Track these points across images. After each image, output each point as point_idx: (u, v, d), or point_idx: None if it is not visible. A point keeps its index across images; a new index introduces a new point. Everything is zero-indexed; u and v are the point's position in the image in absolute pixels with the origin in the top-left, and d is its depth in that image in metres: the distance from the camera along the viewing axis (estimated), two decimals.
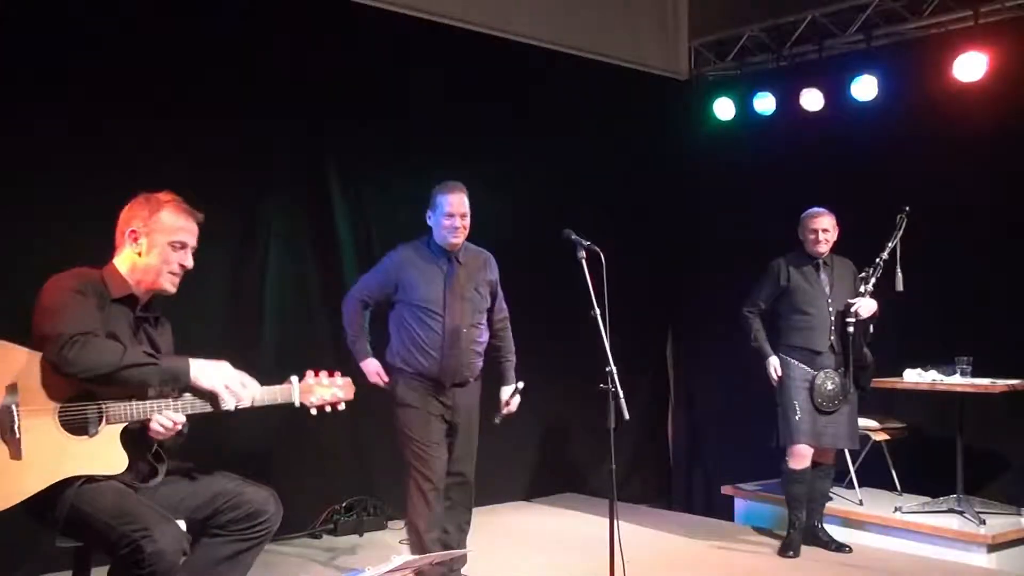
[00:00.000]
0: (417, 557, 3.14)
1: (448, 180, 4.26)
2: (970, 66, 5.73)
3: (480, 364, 4.37)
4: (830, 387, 5.05)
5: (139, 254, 2.90)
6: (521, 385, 4.45)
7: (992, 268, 5.79)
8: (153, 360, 2.76)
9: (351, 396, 3.04)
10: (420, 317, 4.19)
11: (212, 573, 2.87)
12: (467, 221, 4.23)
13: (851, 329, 5.01)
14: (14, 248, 4.42)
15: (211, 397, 2.83)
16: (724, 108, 7.09)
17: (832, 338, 5.08)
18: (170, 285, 2.94)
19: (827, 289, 5.13)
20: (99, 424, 2.75)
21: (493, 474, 6.41)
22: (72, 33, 4.65)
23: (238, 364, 5.22)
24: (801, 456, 5.13)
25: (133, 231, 2.90)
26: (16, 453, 2.64)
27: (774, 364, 5.14)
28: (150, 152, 4.71)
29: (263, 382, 5.36)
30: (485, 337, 4.38)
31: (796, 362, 5.13)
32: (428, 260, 4.25)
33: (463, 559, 4.31)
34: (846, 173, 6.21)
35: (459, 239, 4.23)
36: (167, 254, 2.90)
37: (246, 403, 2.87)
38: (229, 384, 2.85)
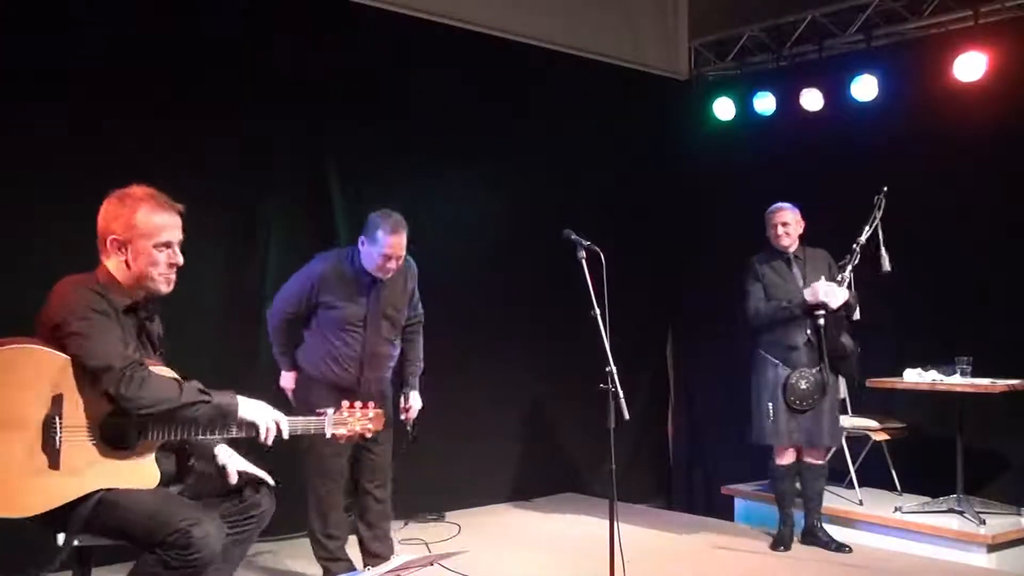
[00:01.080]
0: (417, 557, 3.16)
1: (391, 212, 4.13)
2: (970, 66, 5.73)
3: (389, 375, 4.40)
4: (804, 386, 5.03)
5: (127, 263, 2.84)
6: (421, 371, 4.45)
7: (992, 268, 5.79)
8: (206, 398, 2.79)
9: (380, 427, 3.15)
10: (340, 334, 4.17)
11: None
12: (401, 261, 4.17)
13: (821, 322, 5.00)
14: (14, 248, 4.42)
15: (254, 429, 2.89)
16: (724, 108, 7.09)
17: (808, 332, 5.07)
18: (164, 285, 2.90)
19: (800, 283, 5.12)
20: (137, 439, 2.78)
21: (493, 474, 6.43)
22: (72, 33, 4.65)
23: (238, 364, 5.28)
24: (781, 453, 5.18)
25: (115, 239, 2.83)
26: (55, 463, 2.68)
27: (811, 289, 4.99)
28: (150, 152, 4.71)
29: (262, 382, 5.38)
30: (397, 352, 4.39)
31: (771, 360, 5.12)
32: (351, 279, 4.18)
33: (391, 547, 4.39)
34: (846, 173, 6.21)
35: (389, 276, 4.19)
36: (154, 257, 2.84)
37: (285, 435, 2.94)
38: (270, 419, 2.91)
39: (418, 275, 4.45)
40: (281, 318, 4.32)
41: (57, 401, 2.69)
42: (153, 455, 2.81)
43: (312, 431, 3.02)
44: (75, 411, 2.71)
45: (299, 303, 4.25)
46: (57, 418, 2.68)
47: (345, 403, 3.10)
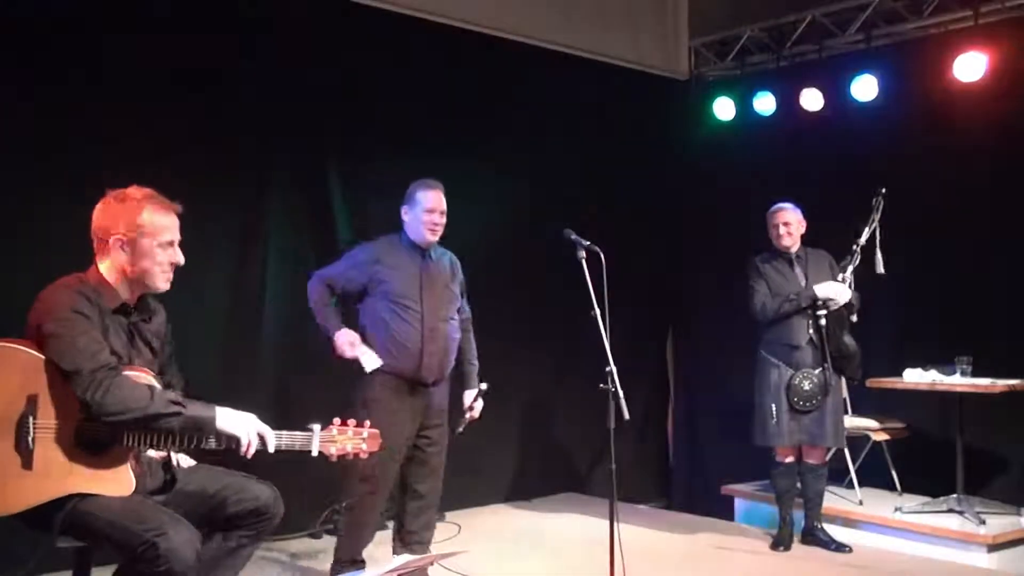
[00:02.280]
0: (417, 557, 3.15)
1: (426, 179, 4.26)
2: (970, 66, 5.72)
3: (453, 362, 4.34)
4: (807, 387, 5.03)
5: (129, 261, 2.85)
6: (485, 387, 4.37)
7: (992, 268, 5.79)
8: (178, 409, 2.73)
9: (375, 448, 2.99)
10: (396, 312, 4.13)
11: (212, 565, 2.90)
12: (444, 219, 4.22)
13: (823, 321, 5.00)
14: (14, 249, 4.42)
15: (234, 441, 2.82)
16: (724, 108, 7.09)
17: (811, 332, 5.07)
18: (164, 283, 2.91)
19: (802, 282, 5.13)
20: (111, 445, 2.75)
21: (493, 474, 6.44)
22: (72, 32, 4.65)
23: (239, 364, 5.28)
24: (783, 453, 5.20)
25: (119, 238, 2.84)
26: (27, 463, 2.67)
27: (821, 286, 5.00)
28: (150, 152, 4.70)
29: (262, 383, 5.39)
30: (458, 334, 4.36)
31: (774, 361, 5.12)
32: (402, 255, 4.22)
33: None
34: (846, 173, 6.21)
35: (437, 236, 4.23)
36: (158, 256, 2.86)
37: (270, 448, 2.85)
38: (251, 432, 2.82)
39: None
40: (322, 286, 4.21)
41: (32, 401, 2.68)
42: (128, 462, 2.76)
43: (297, 447, 2.89)
44: (49, 412, 2.69)
45: (343, 278, 4.22)
46: (31, 418, 2.67)
47: (336, 420, 2.96)
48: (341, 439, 2.93)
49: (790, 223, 5.16)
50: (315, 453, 2.90)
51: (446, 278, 4.32)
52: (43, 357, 2.70)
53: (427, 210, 4.17)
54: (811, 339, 5.07)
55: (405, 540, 4.31)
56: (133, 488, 2.75)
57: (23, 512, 2.69)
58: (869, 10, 6.31)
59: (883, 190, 5.13)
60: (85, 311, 2.75)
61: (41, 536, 2.76)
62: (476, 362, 4.51)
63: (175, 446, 2.79)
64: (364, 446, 2.95)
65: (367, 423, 2.99)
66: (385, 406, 4.09)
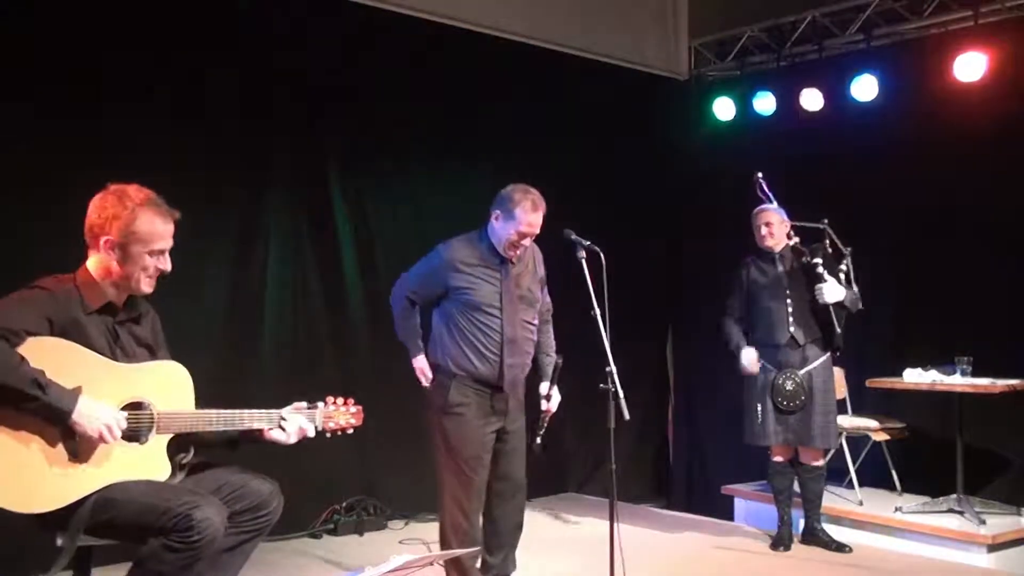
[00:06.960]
0: (417, 557, 3.15)
1: (530, 188, 3.97)
2: (970, 66, 5.73)
3: (530, 364, 4.18)
4: (790, 387, 5.05)
5: (117, 263, 2.85)
6: (559, 360, 4.18)
7: (992, 268, 5.78)
8: (36, 394, 2.59)
9: (360, 423, 3.18)
10: (477, 318, 3.93)
11: (213, 561, 2.89)
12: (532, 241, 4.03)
13: (820, 269, 5.00)
14: (14, 248, 4.42)
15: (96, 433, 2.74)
16: (724, 108, 7.09)
17: (792, 330, 5.09)
18: (148, 287, 2.91)
19: (783, 280, 5.16)
20: (150, 433, 2.81)
21: None
22: (72, 32, 4.65)
23: (238, 364, 5.26)
24: (776, 451, 5.22)
25: (108, 240, 2.83)
26: (72, 456, 2.69)
27: (747, 357, 5.15)
28: (150, 152, 4.71)
29: (262, 382, 5.37)
30: (536, 339, 4.18)
31: (760, 362, 5.15)
32: (482, 258, 3.96)
33: (513, 564, 4.24)
34: (846, 173, 6.21)
35: (516, 256, 4.00)
36: (146, 262, 2.86)
37: (115, 435, 2.72)
38: (102, 424, 2.68)
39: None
40: (404, 302, 4.08)
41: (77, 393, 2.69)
42: (165, 449, 2.82)
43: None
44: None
45: (422, 287, 4.05)
46: None
47: (330, 398, 3.12)
48: (337, 415, 3.13)
49: (772, 223, 5.21)
50: (320, 428, 3.09)
51: (528, 280, 4.08)
52: (80, 347, 2.73)
53: (519, 232, 3.89)
54: (792, 337, 5.09)
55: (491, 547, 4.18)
56: (169, 473, 2.81)
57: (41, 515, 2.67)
58: (869, 10, 6.31)
59: (826, 220, 5.19)
60: (40, 299, 2.74)
61: (50, 537, 2.74)
62: (553, 356, 4.22)
63: (206, 412, 2.88)
64: (353, 421, 3.16)
65: (351, 400, 3.16)
66: (463, 415, 3.98)
